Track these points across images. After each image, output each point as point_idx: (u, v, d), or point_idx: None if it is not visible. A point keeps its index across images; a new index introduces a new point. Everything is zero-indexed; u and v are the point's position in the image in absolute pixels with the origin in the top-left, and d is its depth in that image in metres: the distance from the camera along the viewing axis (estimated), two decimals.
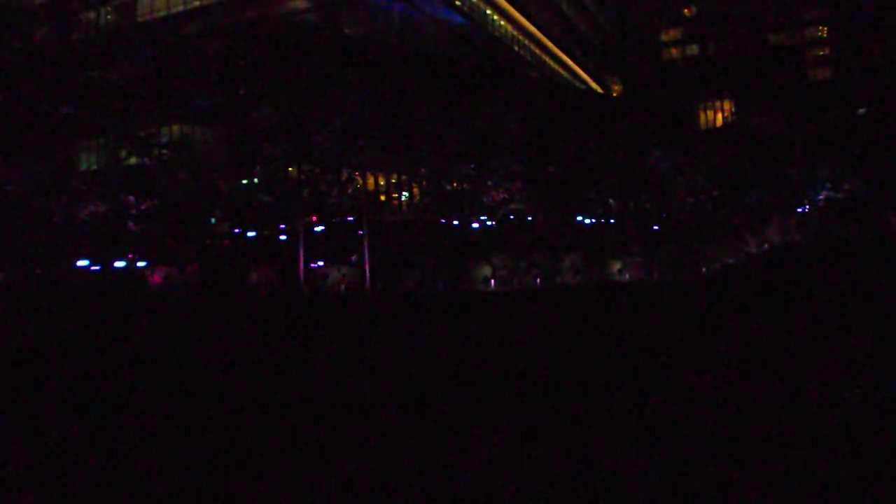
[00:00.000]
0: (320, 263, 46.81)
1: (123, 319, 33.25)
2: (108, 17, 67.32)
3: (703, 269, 61.31)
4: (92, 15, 65.48)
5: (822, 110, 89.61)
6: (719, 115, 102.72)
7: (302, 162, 48.44)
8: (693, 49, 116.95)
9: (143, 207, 44.84)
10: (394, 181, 61.37)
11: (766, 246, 65.78)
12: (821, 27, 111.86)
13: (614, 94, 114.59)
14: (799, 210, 71.96)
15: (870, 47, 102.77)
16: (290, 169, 49.98)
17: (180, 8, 64.02)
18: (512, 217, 58.05)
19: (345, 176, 50.38)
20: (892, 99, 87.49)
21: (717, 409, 12.75)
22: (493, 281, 51.05)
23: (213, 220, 49.44)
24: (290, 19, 62.04)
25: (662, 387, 14.66)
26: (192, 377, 17.62)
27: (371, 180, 57.30)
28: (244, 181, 51.25)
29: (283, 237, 48.12)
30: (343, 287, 46.32)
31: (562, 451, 10.52)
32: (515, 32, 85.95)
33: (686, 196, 66.97)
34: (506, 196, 57.46)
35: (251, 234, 48.22)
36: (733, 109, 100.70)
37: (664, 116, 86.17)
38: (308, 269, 44.80)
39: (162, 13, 64.54)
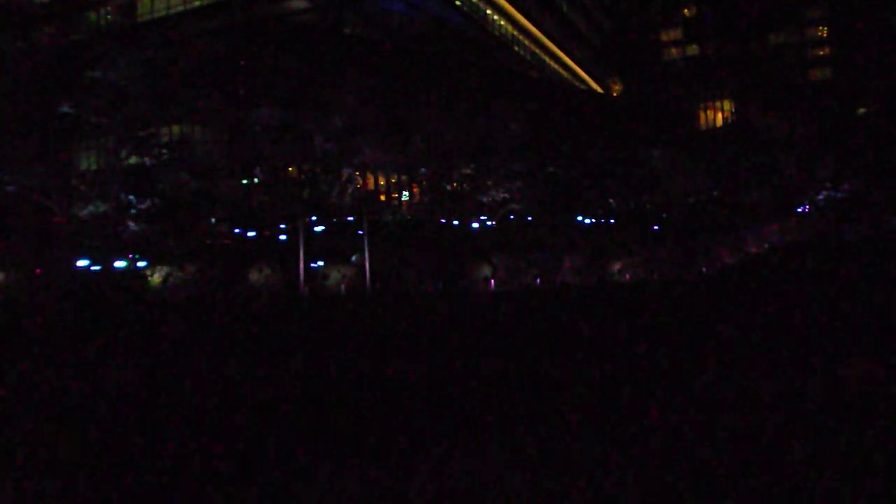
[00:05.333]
0: (320, 263, 46.82)
1: (124, 319, 33.25)
2: (108, 17, 67.37)
3: (703, 269, 61.30)
4: (92, 15, 65.50)
5: (822, 110, 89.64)
6: (719, 115, 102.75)
7: (302, 162, 48.55)
8: (693, 49, 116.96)
9: (143, 207, 44.86)
10: (394, 181, 61.38)
11: (766, 246, 65.80)
12: (821, 27, 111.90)
13: (614, 94, 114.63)
14: (799, 210, 71.99)
15: (870, 47, 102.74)
16: (290, 169, 50.07)
17: (180, 8, 64.06)
18: (512, 217, 58.06)
19: (345, 176, 50.46)
20: (892, 99, 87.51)
21: (721, 410, 12.72)
22: (493, 281, 51.05)
23: (213, 220, 49.48)
24: (290, 19, 62.10)
25: (665, 387, 14.64)
26: (191, 377, 17.61)
27: (371, 180, 57.34)
28: (244, 181, 51.32)
29: (283, 237, 48.15)
30: (343, 287, 46.33)
31: (564, 453, 10.49)
32: (515, 32, 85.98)
33: (686, 196, 67.00)
34: (506, 196, 57.49)
35: (251, 234, 48.25)
36: (733, 109, 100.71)
37: (664, 116, 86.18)
38: (308, 269, 44.83)
39: (162, 13, 64.59)
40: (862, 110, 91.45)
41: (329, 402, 14.19)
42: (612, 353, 18.78)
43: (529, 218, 58.89)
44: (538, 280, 53.23)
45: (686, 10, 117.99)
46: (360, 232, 46.79)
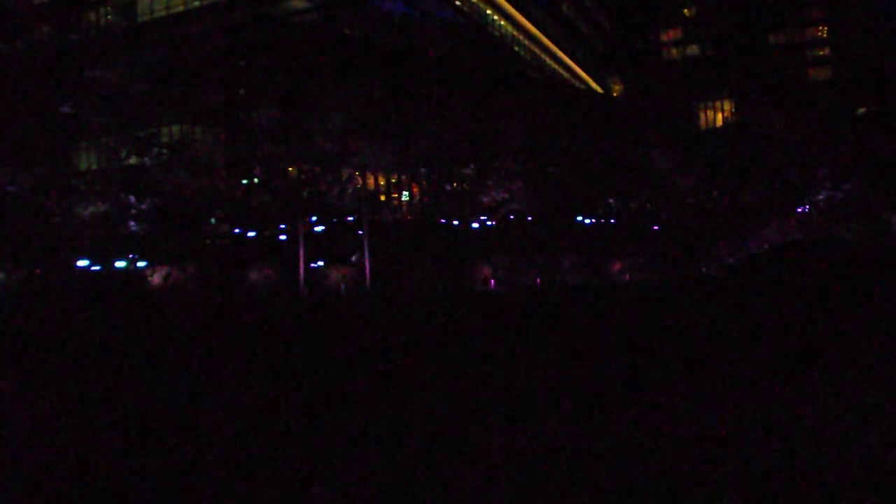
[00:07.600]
0: (320, 263, 46.83)
1: (123, 319, 33.26)
2: (108, 17, 67.33)
3: (704, 269, 61.32)
4: (92, 15, 65.47)
5: (822, 110, 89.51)
6: (719, 115, 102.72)
7: (302, 162, 48.49)
8: (693, 49, 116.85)
9: (143, 207, 44.86)
10: (394, 181, 61.36)
11: (766, 246, 65.79)
12: (821, 27, 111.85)
13: (614, 94, 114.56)
14: (799, 210, 71.90)
15: (869, 47, 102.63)
16: (290, 169, 50.03)
17: (180, 8, 63.98)
18: (512, 217, 58.02)
19: (345, 176, 50.42)
20: (892, 99, 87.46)
21: (726, 414, 12.70)
22: (493, 281, 51.07)
23: (213, 220, 49.46)
24: (290, 19, 62.05)
25: (667, 389, 14.63)
26: (191, 378, 17.63)
27: (371, 180, 57.30)
28: (244, 181, 51.26)
29: (283, 237, 48.13)
30: (343, 287, 46.35)
31: (563, 457, 10.47)
32: (515, 32, 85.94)
33: (686, 196, 66.94)
34: (506, 196, 57.43)
35: (251, 234, 48.22)
36: (733, 109, 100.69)
37: (664, 116, 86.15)
38: (308, 269, 44.81)
39: (162, 13, 64.51)
40: (862, 110, 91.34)
41: (328, 402, 14.20)
42: (610, 357, 18.77)
43: (529, 218, 58.84)
44: (538, 280, 53.25)
45: (686, 11, 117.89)
46: (360, 232, 46.78)
